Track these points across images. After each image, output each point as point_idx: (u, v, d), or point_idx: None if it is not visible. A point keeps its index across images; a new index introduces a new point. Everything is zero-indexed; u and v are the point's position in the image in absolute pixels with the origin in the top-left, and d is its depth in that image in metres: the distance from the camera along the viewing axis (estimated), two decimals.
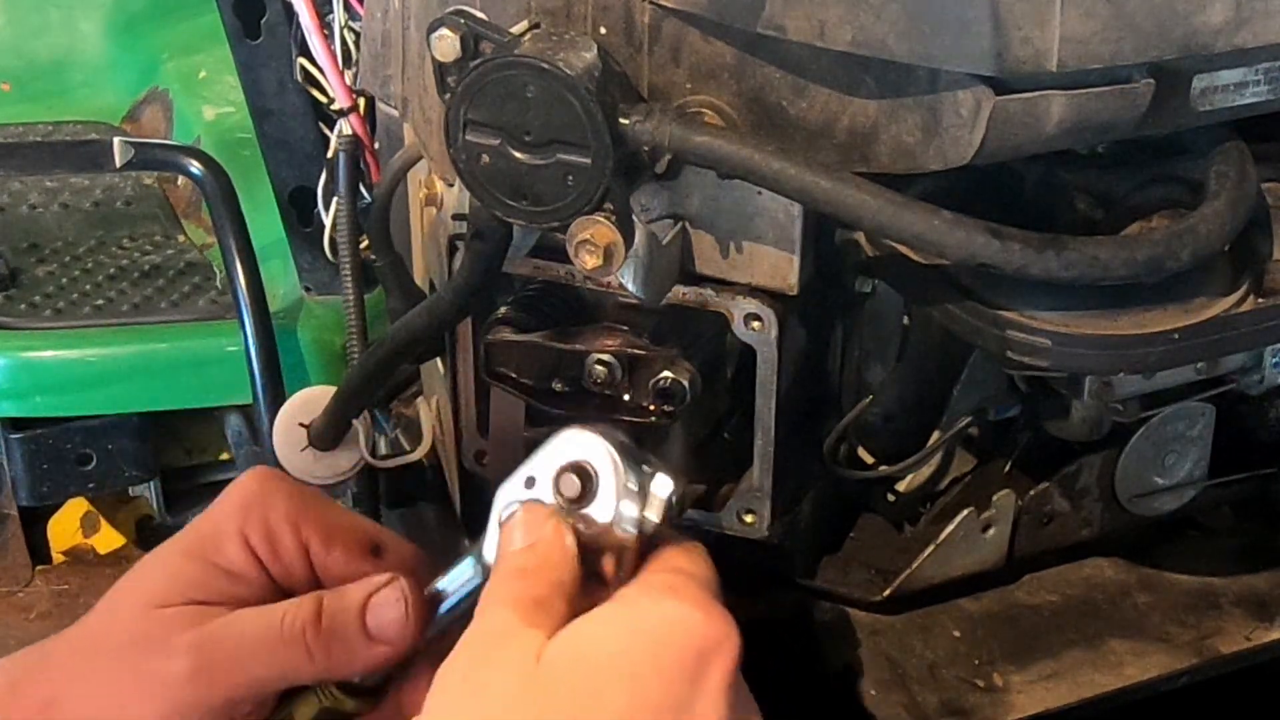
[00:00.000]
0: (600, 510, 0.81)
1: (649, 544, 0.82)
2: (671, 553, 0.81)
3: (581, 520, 0.81)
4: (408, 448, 1.25)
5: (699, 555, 0.82)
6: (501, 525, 0.82)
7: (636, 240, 0.87)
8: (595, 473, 0.81)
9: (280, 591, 0.85)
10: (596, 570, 0.81)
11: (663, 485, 0.81)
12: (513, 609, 0.76)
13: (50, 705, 0.81)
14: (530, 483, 0.82)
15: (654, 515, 0.81)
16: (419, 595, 0.83)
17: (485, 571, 0.83)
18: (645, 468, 0.81)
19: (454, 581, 0.84)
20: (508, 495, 0.83)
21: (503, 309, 1.00)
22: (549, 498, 0.82)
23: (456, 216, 1.02)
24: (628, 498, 0.80)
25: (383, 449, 1.23)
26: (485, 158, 0.86)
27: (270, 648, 0.81)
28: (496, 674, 0.74)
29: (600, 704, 0.73)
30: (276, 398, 1.51)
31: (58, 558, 2.18)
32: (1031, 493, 1.16)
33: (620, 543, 0.81)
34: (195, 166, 1.58)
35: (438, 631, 0.84)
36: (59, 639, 0.84)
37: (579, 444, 0.82)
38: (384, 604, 0.82)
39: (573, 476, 0.81)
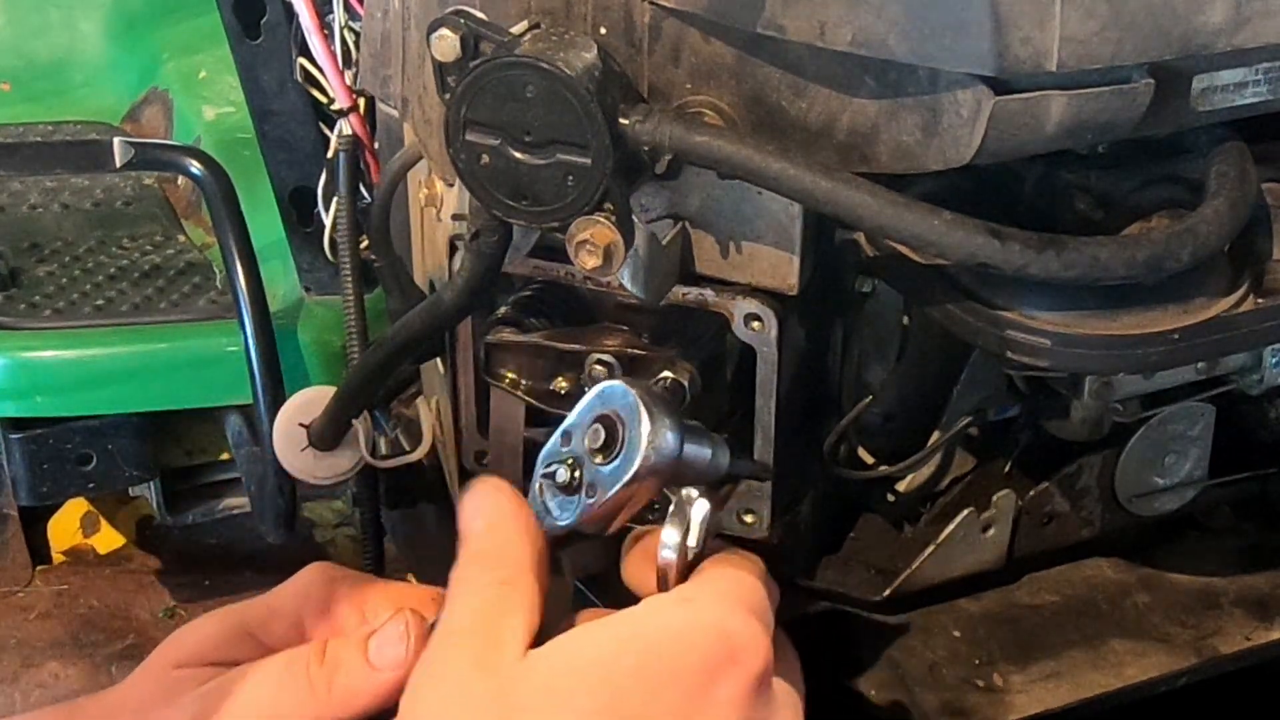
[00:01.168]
0: (627, 461, 0.80)
1: (696, 559, 0.82)
2: (717, 567, 0.80)
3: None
4: (408, 448, 1.24)
5: (747, 570, 0.80)
6: (459, 501, 0.82)
7: (636, 240, 0.87)
8: (623, 423, 0.81)
9: None
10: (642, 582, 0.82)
11: (700, 508, 0.81)
12: (477, 600, 0.76)
13: None
14: (567, 438, 0.83)
15: (694, 541, 0.81)
16: (422, 626, 0.82)
17: None
18: (689, 442, 0.80)
19: None
20: (547, 455, 0.83)
21: (503, 309, 1.00)
22: (581, 454, 0.82)
23: (456, 216, 1.02)
24: (671, 525, 0.81)
25: (383, 449, 1.23)
26: (485, 158, 0.86)
27: (275, 688, 0.80)
28: (459, 674, 0.73)
29: (564, 711, 0.71)
30: (276, 398, 1.51)
31: (58, 558, 2.19)
32: (1031, 493, 1.16)
33: (662, 567, 0.80)
34: (195, 166, 1.57)
35: None
36: (92, 698, 0.85)
37: (611, 396, 0.82)
38: (386, 634, 0.82)
39: (599, 428, 0.81)
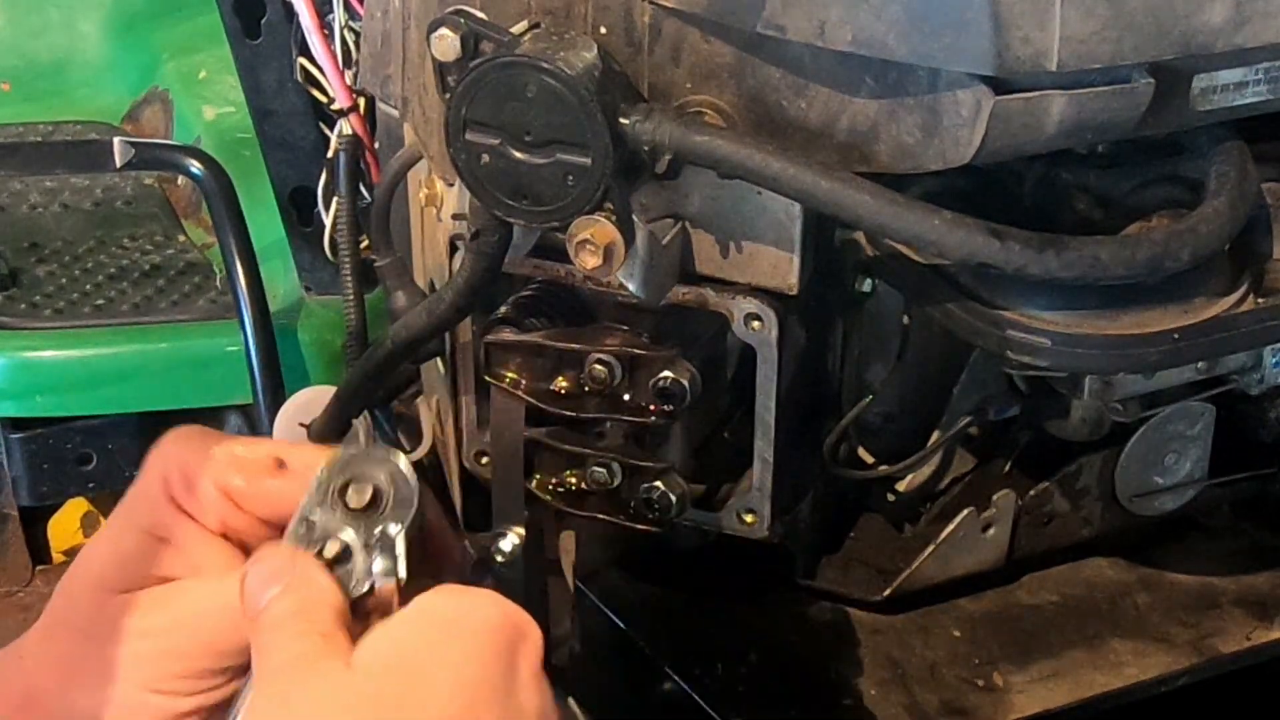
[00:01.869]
0: (400, 508, 0.77)
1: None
2: (443, 585, 0.79)
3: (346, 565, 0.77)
4: (408, 448, 1.24)
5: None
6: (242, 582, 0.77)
7: (636, 240, 0.87)
8: (365, 475, 0.78)
9: (226, 540, 0.82)
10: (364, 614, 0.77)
11: (394, 535, 0.77)
12: (304, 641, 0.73)
13: (29, 699, 0.81)
14: (309, 526, 0.77)
15: (403, 572, 0.76)
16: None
17: None
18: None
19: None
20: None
21: (503, 309, 1.00)
22: (338, 525, 0.77)
23: (456, 216, 1.02)
24: (381, 557, 0.77)
25: None
26: (485, 157, 0.86)
27: (232, 619, 0.78)
28: (311, 692, 0.71)
29: (427, 698, 0.71)
30: (276, 398, 1.51)
31: (58, 558, 2.18)
32: (1031, 493, 1.16)
33: (381, 596, 0.77)
34: (195, 166, 1.57)
35: None
36: (31, 631, 0.84)
37: (335, 471, 0.79)
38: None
39: (351, 490, 0.77)
